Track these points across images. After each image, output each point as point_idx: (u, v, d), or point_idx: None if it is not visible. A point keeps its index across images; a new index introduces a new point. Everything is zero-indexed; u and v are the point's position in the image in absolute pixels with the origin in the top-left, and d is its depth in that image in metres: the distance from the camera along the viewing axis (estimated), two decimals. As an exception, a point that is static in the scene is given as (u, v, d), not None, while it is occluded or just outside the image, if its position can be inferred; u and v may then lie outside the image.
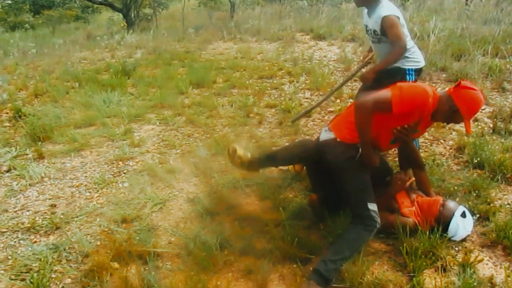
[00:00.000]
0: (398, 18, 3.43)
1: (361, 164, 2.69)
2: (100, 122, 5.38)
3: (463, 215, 2.82)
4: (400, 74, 3.58)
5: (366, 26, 3.79)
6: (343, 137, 2.73)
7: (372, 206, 2.63)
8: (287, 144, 3.26)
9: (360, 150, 2.68)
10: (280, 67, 7.87)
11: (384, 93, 2.56)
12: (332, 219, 2.96)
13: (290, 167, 3.80)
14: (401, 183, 2.99)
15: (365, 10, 3.75)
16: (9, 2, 18.65)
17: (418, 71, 3.71)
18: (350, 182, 2.69)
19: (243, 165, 3.22)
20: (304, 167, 3.66)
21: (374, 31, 3.62)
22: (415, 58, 3.66)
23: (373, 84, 3.52)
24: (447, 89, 2.71)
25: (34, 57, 10.17)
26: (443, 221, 2.80)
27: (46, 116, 5.55)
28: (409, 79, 3.64)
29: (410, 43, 3.58)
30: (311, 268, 2.53)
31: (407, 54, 3.57)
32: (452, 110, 2.58)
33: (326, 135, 2.86)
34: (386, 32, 3.47)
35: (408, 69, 3.63)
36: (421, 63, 3.69)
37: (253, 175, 3.49)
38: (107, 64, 8.88)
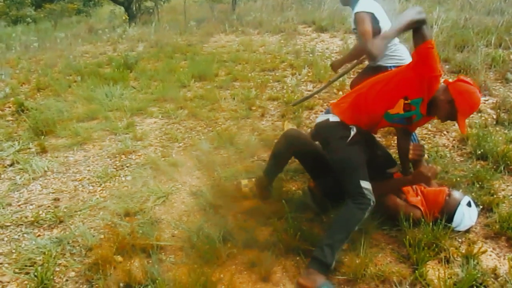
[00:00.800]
0: (370, 14, 3.45)
1: (354, 143, 2.68)
2: (103, 115, 5.38)
3: (469, 204, 2.82)
4: (382, 71, 3.38)
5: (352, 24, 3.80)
6: (341, 118, 2.74)
7: (365, 184, 2.57)
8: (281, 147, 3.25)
9: (353, 131, 2.68)
10: (282, 59, 7.84)
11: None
12: (335, 212, 2.96)
13: None
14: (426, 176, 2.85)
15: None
16: (11, -4, 18.60)
17: None
18: (343, 160, 2.66)
19: (252, 189, 3.37)
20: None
21: (354, 28, 3.69)
22: (398, 55, 3.67)
23: (360, 80, 3.54)
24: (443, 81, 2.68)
25: (36, 51, 10.16)
26: (449, 210, 2.81)
27: (48, 110, 5.55)
28: None
29: (394, 39, 3.46)
30: (312, 255, 2.53)
31: (388, 52, 3.60)
32: (447, 101, 2.54)
33: (321, 117, 2.88)
34: (357, 28, 3.53)
35: (391, 66, 3.63)
36: (406, 60, 3.58)
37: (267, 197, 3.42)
38: (109, 57, 8.86)
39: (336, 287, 2.46)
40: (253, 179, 3.42)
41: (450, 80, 2.63)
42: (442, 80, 2.59)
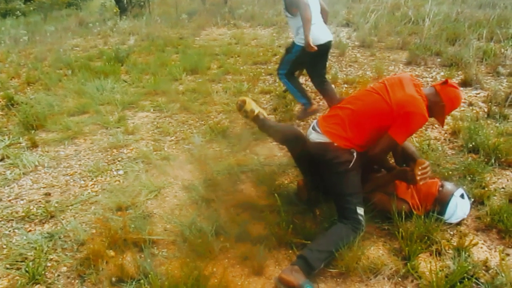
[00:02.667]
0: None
1: (355, 168, 2.69)
2: (94, 109, 5.34)
3: (462, 196, 2.84)
4: (292, 46, 4.37)
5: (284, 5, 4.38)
6: (339, 143, 2.71)
7: (360, 211, 2.65)
8: (282, 125, 3.25)
9: (355, 155, 2.68)
10: (275, 52, 7.82)
11: (388, 141, 2.66)
12: (328, 205, 2.97)
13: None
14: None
15: None
16: (0, -11, 18.39)
17: (307, 52, 4.13)
18: (343, 186, 2.69)
19: (247, 118, 3.30)
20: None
21: (285, 9, 4.33)
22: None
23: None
24: (431, 85, 2.89)
25: (26, 45, 10.07)
26: (442, 201, 2.82)
27: (39, 104, 5.51)
28: (295, 49, 4.32)
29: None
30: (299, 253, 2.53)
31: (298, 30, 4.22)
32: (438, 105, 2.74)
33: (318, 137, 2.80)
34: (288, 8, 4.20)
35: (296, 45, 4.31)
36: (313, 43, 4.07)
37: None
38: (100, 51, 8.80)
39: (329, 279, 2.47)
40: (256, 111, 3.21)
41: (438, 83, 2.81)
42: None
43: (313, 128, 2.87)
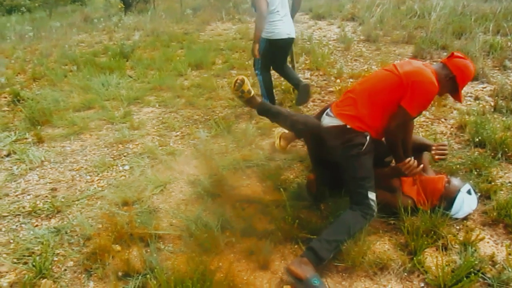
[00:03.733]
0: None
1: (368, 152, 2.68)
2: (99, 105, 5.36)
3: (469, 192, 2.82)
4: (261, 40, 4.51)
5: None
6: (352, 125, 2.70)
7: (372, 195, 2.62)
8: (292, 112, 3.25)
9: (368, 138, 2.67)
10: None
11: (402, 113, 2.63)
12: (333, 200, 2.96)
13: (276, 144, 3.76)
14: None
15: None
16: (5, -15, 18.41)
17: (273, 43, 4.54)
18: (355, 169, 2.66)
19: (242, 98, 3.27)
20: (289, 145, 3.74)
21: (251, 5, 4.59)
22: (270, 30, 4.46)
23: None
24: (440, 61, 2.85)
25: (32, 41, 10.09)
26: (448, 197, 2.81)
27: (44, 100, 5.52)
28: (262, 45, 4.52)
29: (274, 16, 4.43)
30: (308, 244, 2.51)
31: (266, 26, 4.43)
32: (448, 78, 2.71)
33: (332, 120, 2.80)
34: (253, 4, 4.41)
35: (262, 37, 4.49)
36: (272, 36, 4.49)
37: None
38: (105, 46, 8.81)
39: (335, 274, 2.47)
40: (252, 92, 3.27)
41: (444, 58, 2.81)
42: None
43: (327, 114, 2.88)
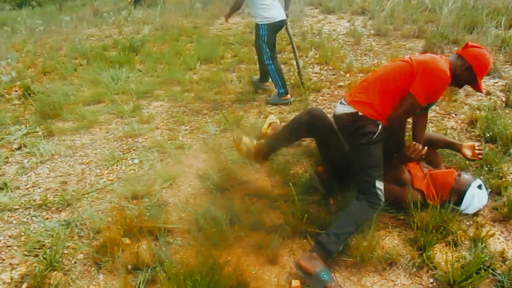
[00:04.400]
0: None
1: (378, 141, 2.66)
2: (109, 99, 5.38)
3: (480, 187, 2.80)
4: (258, 28, 4.87)
5: None
6: (364, 111, 2.68)
7: (379, 184, 2.60)
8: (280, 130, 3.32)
9: (380, 127, 2.65)
10: (289, 41, 7.75)
11: (410, 101, 2.59)
12: (342, 195, 2.95)
13: (264, 128, 3.88)
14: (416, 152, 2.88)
15: None
16: (15, -21, 18.52)
17: (272, 26, 4.84)
18: (364, 157, 2.64)
19: (249, 152, 3.26)
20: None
21: None
22: (267, 15, 4.76)
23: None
24: (455, 52, 2.82)
25: (42, 35, 10.16)
26: (459, 191, 2.80)
27: (55, 94, 5.56)
28: (262, 33, 4.85)
29: (266, 0, 4.70)
30: (316, 239, 2.51)
31: (260, 12, 4.76)
32: (464, 68, 2.66)
33: (344, 108, 2.78)
34: None
35: (261, 24, 4.83)
36: (272, 19, 4.79)
37: (261, 163, 3.51)
38: (115, 40, 8.84)
39: (344, 269, 2.47)
40: (255, 142, 3.32)
41: (459, 48, 2.78)
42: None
43: (340, 103, 2.86)
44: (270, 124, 3.91)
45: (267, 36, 4.87)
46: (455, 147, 3.16)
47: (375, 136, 2.63)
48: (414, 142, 2.76)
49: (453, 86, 2.81)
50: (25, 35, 10.11)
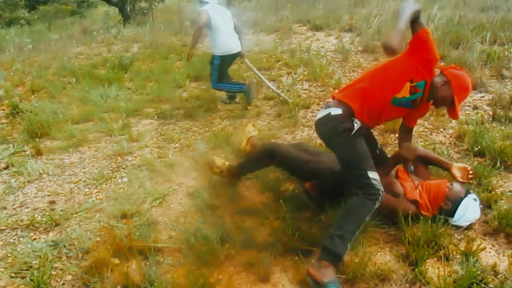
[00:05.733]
0: (207, 13, 5.12)
1: (358, 136, 2.65)
2: (98, 117, 5.35)
3: (475, 200, 2.83)
4: (213, 58, 5.40)
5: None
6: (339, 111, 2.68)
7: (373, 175, 2.55)
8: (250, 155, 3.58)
9: (357, 124, 2.65)
10: (278, 58, 7.82)
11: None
12: (334, 211, 2.94)
13: (243, 145, 3.96)
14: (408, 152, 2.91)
15: None
16: (4, -2, 18.53)
17: (224, 57, 5.36)
18: (349, 153, 2.63)
19: (222, 173, 3.46)
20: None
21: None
22: (220, 47, 5.30)
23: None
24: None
25: (31, 53, 10.13)
26: (453, 199, 2.81)
27: (43, 112, 5.52)
28: (216, 62, 5.36)
29: (218, 34, 5.23)
30: (321, 245, 2.48)
31: (216, 43, 5.30)
32: (443, 82, 2.66)
33: (320, 113, 2.82)
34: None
35: (214, 55, 5.37)
36: (225, 52, 5.32)
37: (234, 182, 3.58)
38: (104, 58, 8.84)
39: (336, 286, 2.46)
40: (227, 164, 3.46)
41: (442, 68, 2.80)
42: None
43: (321, 111, 2.89)
44: (248, 140, 3.94)
45: (220, 66, 5.39)
46: (444, 166, 3.15)
47: (353, 132, 2.63)
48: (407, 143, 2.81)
49: (432, 104, 2.82)
50: (14, 54, 10.07)
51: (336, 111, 2.69)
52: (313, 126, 2.96)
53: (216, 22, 5.21)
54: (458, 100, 2.66)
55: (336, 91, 2.95)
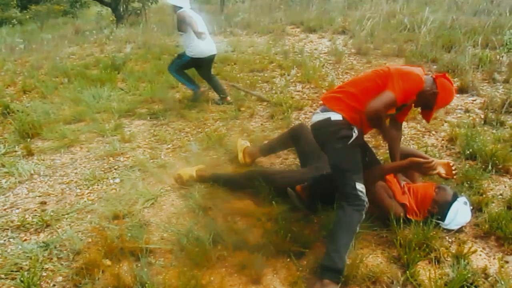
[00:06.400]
0: (187, 17, 5.33)
1: (354, 146, 2.67)
2: (90, 117, 5.33)
3: (465, 203, 2.84)
4: (183, 56, 5.61)
5: None
6: (338, 117, 2.68)
7: (360, 186, 2.60)
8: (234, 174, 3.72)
9: (355, 133, 2.66)
10: (271, 60, 7.84)
11: (387, 94, 2.58)
12: (326, 213, 2.95)
13: (240, 158, 3.96)
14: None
15: None
16: (-4, -3, 18.42)
17: (195, 60, 5.55)
18: (342, 162, 2.66)
19: (194, 179, 3.63)
20: (254, 161, 3.97)
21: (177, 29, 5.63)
22: (193, 50, 5.47)
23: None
24: (431, 74, 2.86)
25: (22, 53, 10.06)
26: (440, 203, 2.82)
27: (35, 112, 5.49)
28: (184, 59, 5.59)
29: (194, 38, 5.38)
30: (319, 265, 2.47)
31: (189, 45, 5.47)
32: (432, 92, 2.71)
33: (317, 116, 2.81)
34: (179, 28, 5.45)
35: (186, 55, 5.55)
36: (197, 55, 5.49)
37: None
38: (96, 59, 8.80)
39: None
40: (194, 173, 3.62)
41: (436, 73, 2.87)
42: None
43: (315, 112, 2.88)
44: (244, 152, 3.94)
45: (185, 66, 5.69)
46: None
47: (350, 141, 2.65)
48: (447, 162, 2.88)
49: (412, 103, 2.86)
50: (5, 53, 10.00)
51: (336, 116, 2.69)
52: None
53: (193, 26, 5.39)
54: (437, 108, 2.81)
55: (326, 93, 2.95)
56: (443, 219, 2.81)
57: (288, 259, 2.67)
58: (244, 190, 3.41)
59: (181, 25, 5.42)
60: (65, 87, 6.77)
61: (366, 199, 2.59)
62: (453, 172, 2.93)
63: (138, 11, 15.36)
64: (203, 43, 5.47)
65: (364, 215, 2.58)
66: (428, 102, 2.76)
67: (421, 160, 2.77)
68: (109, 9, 15.03)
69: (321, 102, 2.88)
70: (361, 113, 2.66)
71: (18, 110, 5.60)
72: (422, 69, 2.80)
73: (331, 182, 2.82)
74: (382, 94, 2.59)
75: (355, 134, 2.66)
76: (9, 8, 18.68)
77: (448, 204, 2.81)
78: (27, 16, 17.41)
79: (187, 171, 3.63)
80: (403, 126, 3.16)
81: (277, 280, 2.53)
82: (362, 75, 2.88)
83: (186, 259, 2.68)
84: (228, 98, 5.80)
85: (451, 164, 2.96)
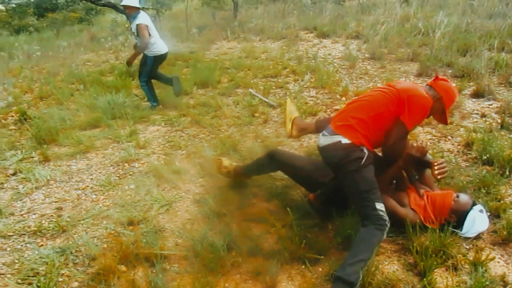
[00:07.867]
0: (146, 25, 5.69)
1: (367, 165, 2.65)
2: (105, 124, 5.38)
3: (481, 211, 2.80)
4: (146, 58, 5.89)
5: (131, 29, 6.24)
6: (348, 135, 2.67)
7: (380, 206, 2.59)
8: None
9: (366, 152, 2.64)
10: (285, 65, 7.83)
11: (399, 127, 2.66)
12: (341, 220, 2.93)
13: (288, 130, 3.57)
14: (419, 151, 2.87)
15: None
16: (13, 5, 18.70)
17: (158, 58, 5.97)
18: (358, 183, 2.63)
19: (229, 173, 3.57)
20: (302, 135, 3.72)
21: (133, 32, 5.93)
22: (155, 49, 5.86)
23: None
24: (425, 83, 2.95)
25: (39, 60, 10.21)
26: (458, 212, 2.79)
27: (51, 119, 5.56)
28: (149, 62, 5.88)
29: (153, 40, 5.80)
30: (334, 275, 2.45)
31: (150, 47, 5.78)
32: (435, 98, 2.78)
33: (326, 139, 2.77)
34: (138, 33, 5.69)
35: (148, 56, 5.86)
36: (159, 52, 5.93)
37: (242, 182, 3.66)
38: (112, 65, 8.89)
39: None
40: (234, 164, 3.57)
41: (429, 81, 2.95)
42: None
43: (322, 134, 2.85)
44: (293, 122, 3.55)
45: (152, 66, 5.95)
46: (427, 165, 3.06)
47: (363, 161, 2.63)
48: (419, 142, 2.85)
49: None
50: (22, 61, 10.16)
51: (346, 139, 2.67)
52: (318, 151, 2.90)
53: (151, 30, 5.81)
54: (448, 108, 2.86)
55: (337, 120, 2.88)
56: (460, 228, 2.77)
57: (303, 266, 2.66)
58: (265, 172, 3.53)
59: (142, 32, 5.72)
60: (81, 93, 6.85)
61: (387, 219, 2.58)
62: (436, 172, 2.86)
63: (153, 18, 15.47)
64: (160, 42, 5.97)
65: (385, 235, 2.56)
66: (436, 108, 2.82)
67: (409, 151, 2.83)
68: (124, 16, 15.16)
69: (330, 126, 2.84)
70: (371, 141, 2.71)
71: (35, 117, 5.68)
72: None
73: (342, 189, 2.80)
74: (395, 128, 2.68)
75: (365, 153, 2.65)
76: (26, 16, 18.97)
77: (465, 213, 2.78)
78: (44, 24, 17.65)
79: (227, 161, 3.63)
80: (418, 131, 3.16)
81: (292, 287, 2.52)
82: (368, 96, 2.85)
83: (200, 265, 2.69)
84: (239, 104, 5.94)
85: (435, 164, 2.90)
